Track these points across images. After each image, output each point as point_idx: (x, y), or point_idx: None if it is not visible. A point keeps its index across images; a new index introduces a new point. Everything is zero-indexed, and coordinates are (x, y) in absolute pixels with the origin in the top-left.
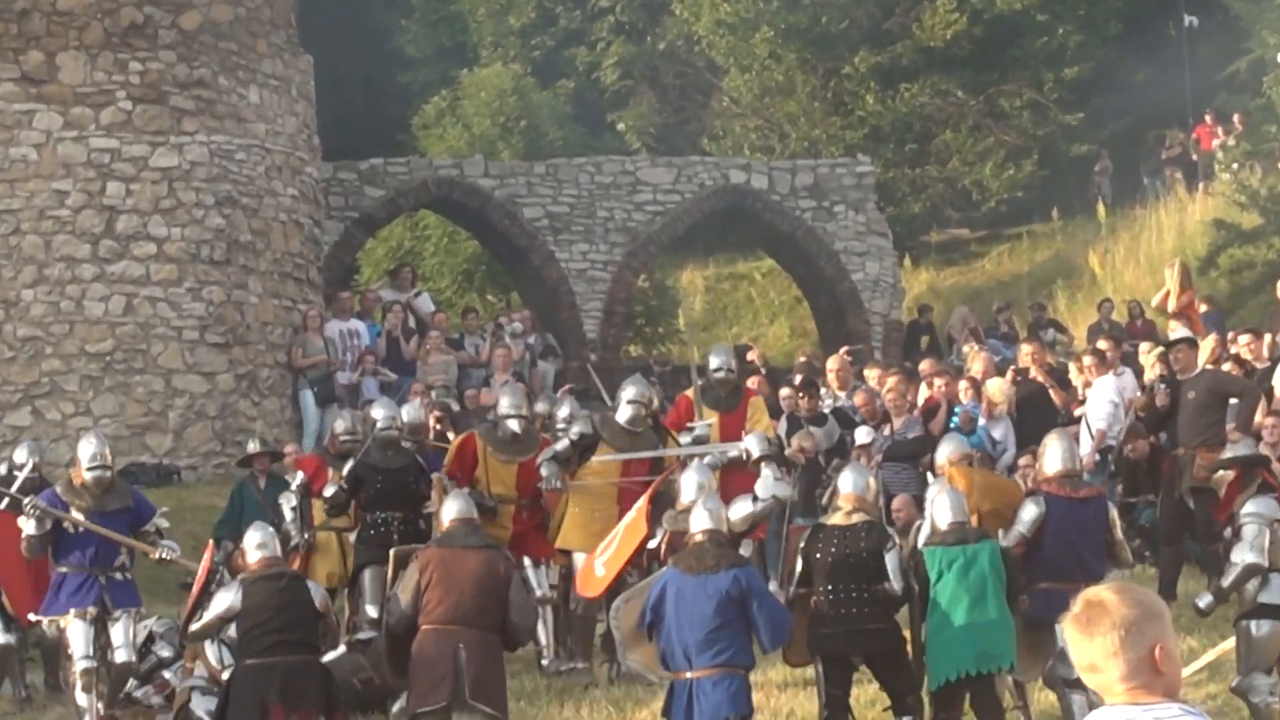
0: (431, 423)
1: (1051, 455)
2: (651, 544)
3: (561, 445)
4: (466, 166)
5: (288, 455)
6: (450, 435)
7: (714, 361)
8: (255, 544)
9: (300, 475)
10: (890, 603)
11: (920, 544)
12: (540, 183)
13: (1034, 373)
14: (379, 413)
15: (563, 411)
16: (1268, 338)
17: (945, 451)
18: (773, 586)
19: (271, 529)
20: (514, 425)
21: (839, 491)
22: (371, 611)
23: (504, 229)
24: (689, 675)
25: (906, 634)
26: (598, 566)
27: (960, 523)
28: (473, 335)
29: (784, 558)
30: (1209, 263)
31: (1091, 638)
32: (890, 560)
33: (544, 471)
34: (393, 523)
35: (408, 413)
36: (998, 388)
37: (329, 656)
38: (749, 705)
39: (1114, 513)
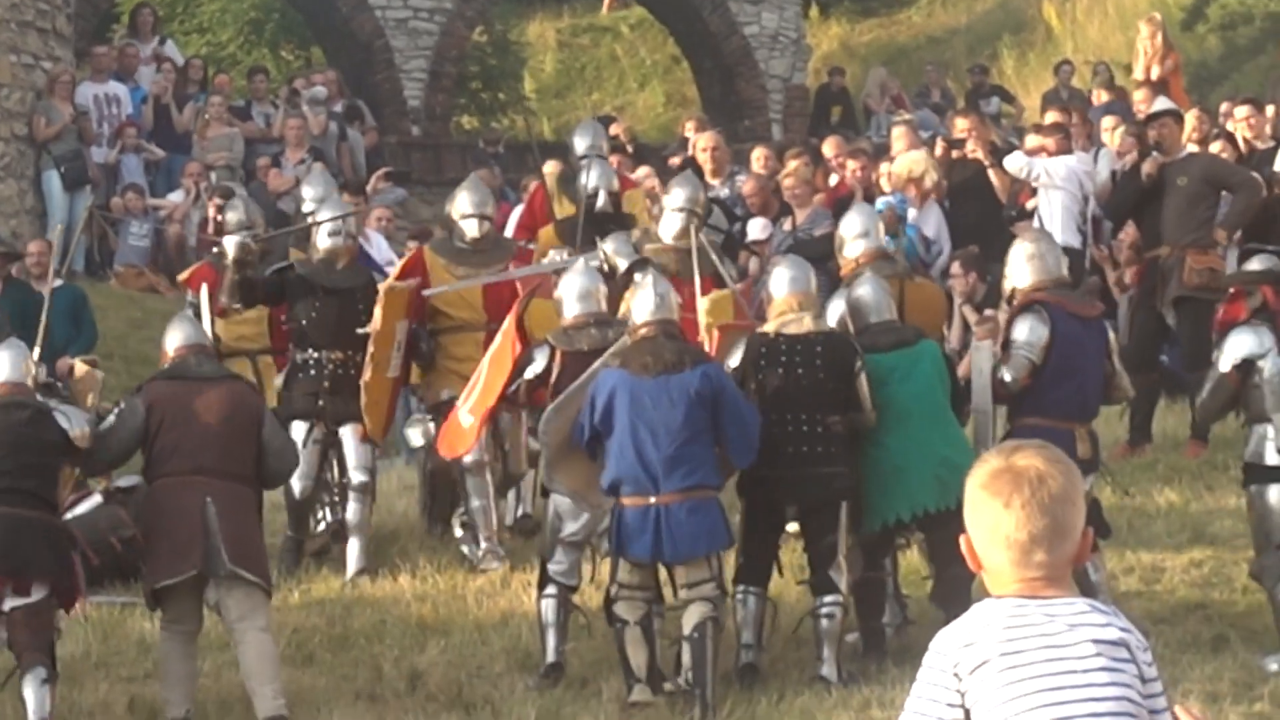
0: (212, 213)
1: (1035, 261)
2: (535, 369)
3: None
4: None
5: (32, 254)
6: None
7: (581, 143)
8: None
9: (196, 295)
10: (851, 438)
11: None
12: None
13: (972, 149)
14: (323, 211)
15: (308, 204)
16: (1270, 110)
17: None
18: None
19: (22, 345)
20: (473, 228)
21: (772, 295)
22: (296, 488)
23: None
24: (653, 500)
25: None
26: (462, 416)
27: (892, 322)
28: (262, 102)
29: None
30: (1195, 15)
31: (1009, 507)
32: (861, 383)
33: None
34: (329, 366)
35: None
36: (910, 161)
37: (81, 508)
38: (729, 535)
39: (1113, 336)
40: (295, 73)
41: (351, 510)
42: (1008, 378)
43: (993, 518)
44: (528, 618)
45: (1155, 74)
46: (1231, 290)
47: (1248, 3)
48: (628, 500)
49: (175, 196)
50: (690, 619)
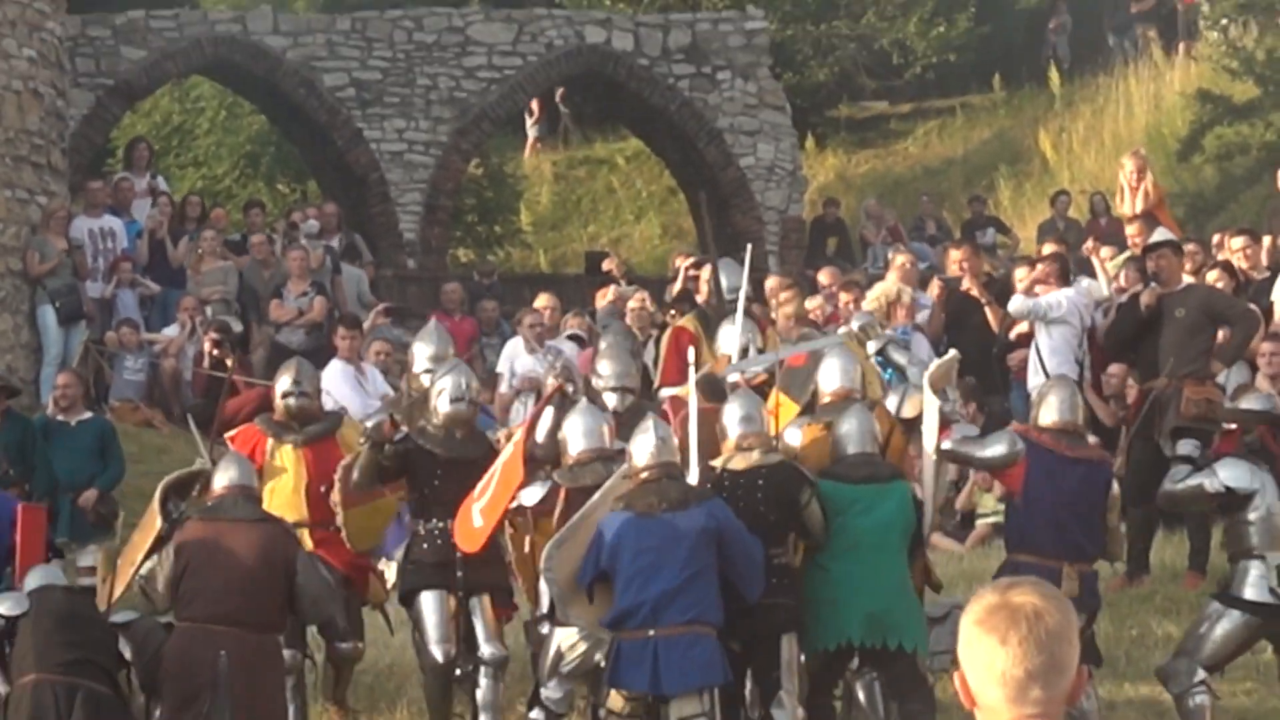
0: (208, 348)
1: (1048, 404)
2: (532, 498)
3: None
4: (250, 21)
5: (59, 385)
6: (229, 363)
7: (729, 282)
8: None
9: (247, 455)
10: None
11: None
12: (344, 42)
13: (967, 285)
14: (447, 380)
15: (421, 362)
16: (1266, 240)
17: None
18: None
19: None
20: (614, 400)
21: (725, 430)
22: (437, 652)
23: (299, 101)
24: (651, 634)
25: None
26: (475, 515)
27: (870, 455)
28: (258, 236)
29: None
30: (1191, 145)
31: (1005, 643)
32: (811, 513)
33: None
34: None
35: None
36: (880, 293)
37: None
38: (726, 672)
39: (1115, 489)
40: (291, 205)
41: (484, 688)
42: (945, 445)
43: (988, 654)
44: None
45: (1139, 207)
46: (1226, 426)
47: (1243, 133)
48: (626, 634)
49: (170, 331)
50: None
